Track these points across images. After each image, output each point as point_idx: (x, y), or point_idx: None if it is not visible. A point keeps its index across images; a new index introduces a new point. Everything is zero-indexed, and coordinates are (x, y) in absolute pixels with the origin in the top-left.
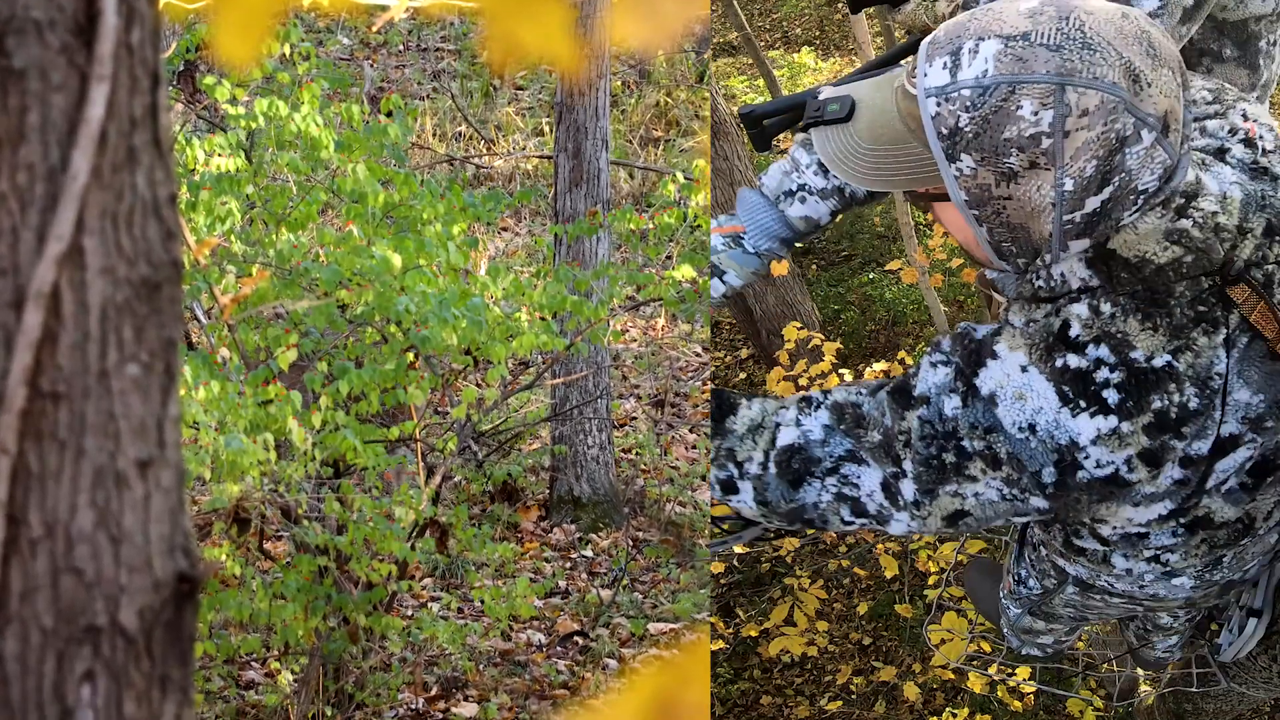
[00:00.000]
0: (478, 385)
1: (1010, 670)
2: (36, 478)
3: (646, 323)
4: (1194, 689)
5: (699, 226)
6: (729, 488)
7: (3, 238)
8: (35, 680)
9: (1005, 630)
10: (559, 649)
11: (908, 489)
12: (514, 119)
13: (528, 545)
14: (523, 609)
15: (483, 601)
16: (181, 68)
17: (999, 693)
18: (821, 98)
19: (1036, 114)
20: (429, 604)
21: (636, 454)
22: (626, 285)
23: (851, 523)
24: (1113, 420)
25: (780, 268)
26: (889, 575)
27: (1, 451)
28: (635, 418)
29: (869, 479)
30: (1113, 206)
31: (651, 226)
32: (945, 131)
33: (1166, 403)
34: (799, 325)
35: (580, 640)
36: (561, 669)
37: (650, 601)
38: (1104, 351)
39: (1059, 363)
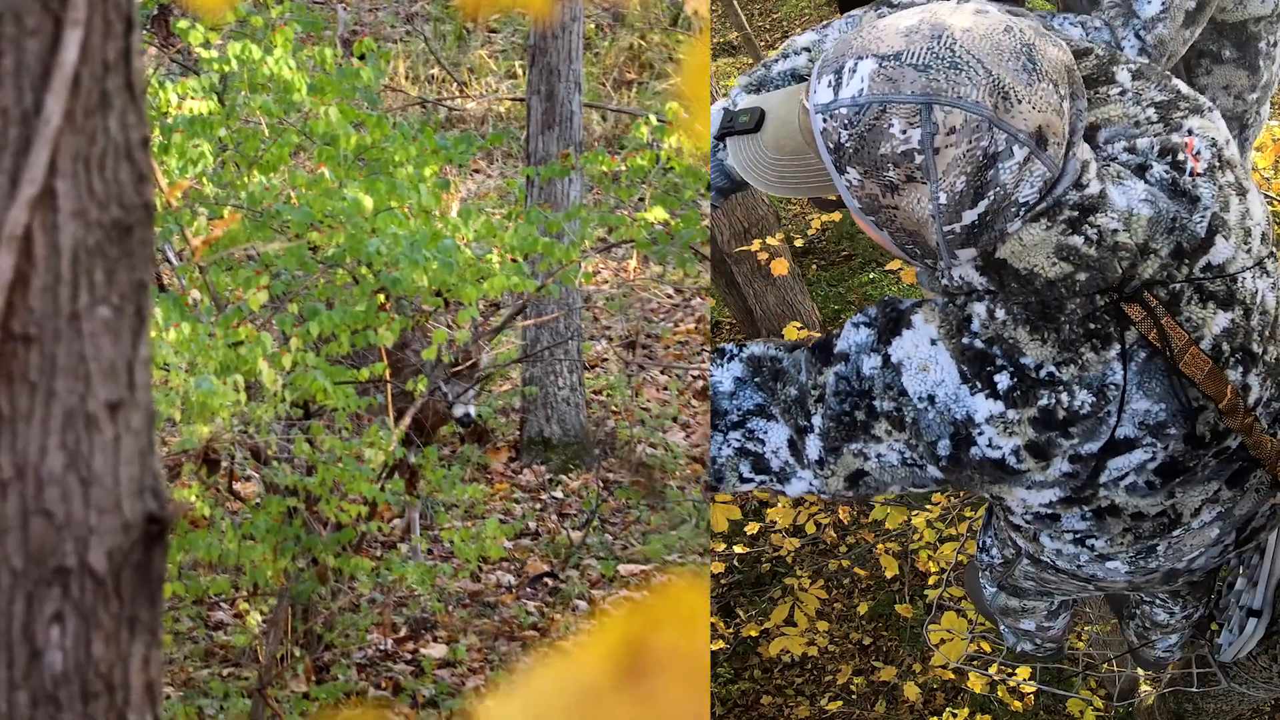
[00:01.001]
0: (449, 327)
1: (1010, 670)
2: (7, 420)
3: (618, 264)
4: (1194, 689)
5: (671, 169)
6: None
7: None
8: (4, 621)
9: (1002, 628)
10: (528, 590)
11: (814, 446)
12: (487, 61)
13: (497, 486)
14: (492, 550)
15: (452, 543)
16: (155, 12)
17: (999, 693)
18: (736, 109)
19: (905, 132)
20: (398, 545)
21: (607, 395)
22: (598, 227)
23: (750, 480)
24: (1000, 405)
25: (780, 267)
26: (889, 575)
27: None
28: (606, 359)
29: (776, 434)
30: (992, 219)
31: (624, 168)
32: (831, 146)
33: (1053, 402)
34: (799, 325)
35: (550, 582)
36: (531, 610)
37: (620, 543)
38: (997, 351)
39: (964, 340)
